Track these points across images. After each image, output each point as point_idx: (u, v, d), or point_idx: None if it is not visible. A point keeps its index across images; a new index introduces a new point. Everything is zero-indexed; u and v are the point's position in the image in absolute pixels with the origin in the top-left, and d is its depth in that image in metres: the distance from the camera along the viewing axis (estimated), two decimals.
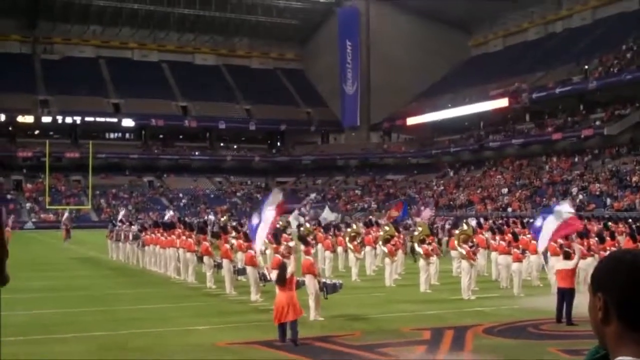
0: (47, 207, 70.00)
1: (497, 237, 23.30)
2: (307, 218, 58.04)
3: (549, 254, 20.82)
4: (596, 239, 22.46)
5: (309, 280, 15.74)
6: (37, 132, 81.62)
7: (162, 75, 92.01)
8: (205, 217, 63.21)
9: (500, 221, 36.64)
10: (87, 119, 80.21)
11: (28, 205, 73.90)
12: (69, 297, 20.51)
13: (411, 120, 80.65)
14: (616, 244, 22.56)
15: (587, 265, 20.73)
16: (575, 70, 65.63)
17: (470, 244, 20.88)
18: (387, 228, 26.66)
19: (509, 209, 58.14)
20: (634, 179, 52.84)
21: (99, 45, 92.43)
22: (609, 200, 51.66)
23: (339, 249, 27.61)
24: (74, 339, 14.23)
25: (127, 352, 13.05)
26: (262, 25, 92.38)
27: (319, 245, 26.67)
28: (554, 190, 58.55)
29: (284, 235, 26.99)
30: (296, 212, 48.35)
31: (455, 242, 22.41)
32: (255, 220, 16.92)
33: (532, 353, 12.99)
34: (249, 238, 20.72)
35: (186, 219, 44.33)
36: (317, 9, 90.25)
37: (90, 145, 70.44)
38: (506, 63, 78.18)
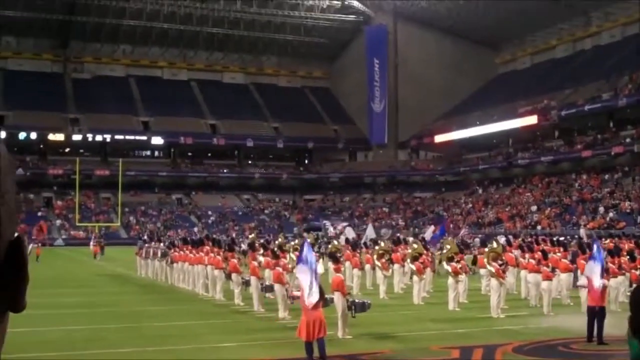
0: (77, 224, 70.60)
1: (527, 255, 23.12)
2: (335, 233, 58.06)
3: (579, 272, 20.62)
4: (627, 257, 22.22)
5: (337, 297, 15.68)
6: (67, 149, 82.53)
7: (191, 94, 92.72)
8: (233, 235, 63.47)
9: (529, 239, 36.34)
10: (117, 136, 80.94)
11: (58, 222, 74.60)
12: (98, 314, 20.64)
13: (439, 138, 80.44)
14: None
15: (617, 284, 20.58)
16: (605, 87, 65.12)
17: (499, 262, 20.74)
18: (415, 246, 26.56)
19: (538, 227, 57.67)
20: None
21: (129, 64, 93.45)
22: (639, 218, 51.09)
23: (367, 267, 27.54)
24: (103, 355, 14.31)
25: None
26: (290, 44, 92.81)
27: (347, 263, 26.63)
28: (583, 208, 58.03)
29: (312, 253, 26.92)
30: (370, 226, 48.16)
31: (485, 260, 22.25)
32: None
33: None
34: (276, 255, 20.76)
35: (214, 236, 44.45)
36: (345, 27, 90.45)
37: (119, 162, 71.05)
38: (534, 80, 77.78)
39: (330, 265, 23.06)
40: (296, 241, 36.68)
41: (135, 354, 14.45)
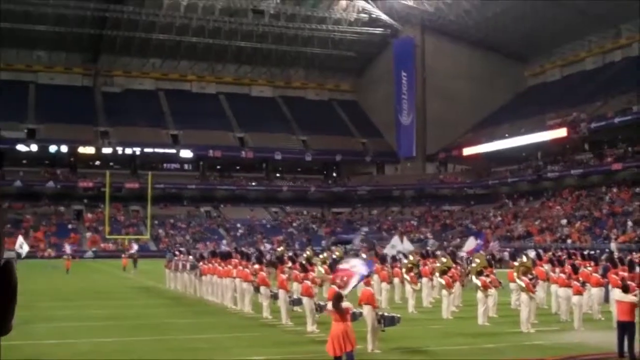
0: (107, 236, 71.14)
1: (557, 270, 22.90)
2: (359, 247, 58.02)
3: (610, 286, 20.40)
4: None
5: (367, 311, 15.61)
6: (97, 162, 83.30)
7: (219, 107, 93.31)
8: (262, 247, 63.55)
9: (559, 253, 36.01)
10: (147, 150, 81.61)
11: (88, 234, 75.22)
12: (127, 326, 20.76)
13: (468, 151, 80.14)
14: None
15: None
16: (635, 99, 64.41)
17: (529, 276, 20.57)
18: (444, 259, 26.42)
19: (569, 241, 57.16)
20: None
21: (158, 78, 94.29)
22: None
23: (396, 280, 27.42)
24: None
25: None
26: (318, 57, 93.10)
27: (375, 276, 26.53)
28: (614, 221, 57.44)
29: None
30: (396, 237, 47.97)
31: (515, 274, 22.08)
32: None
33: None
34: (305, 268, 20.74)
35: (243, 249, 44.54)
36: (373, 40, 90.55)
37: (149, 175, 71.55)
38: (564, 93, 77.32)
39: None
40: (324, 254, 36.67)
41: None
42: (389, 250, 39.85)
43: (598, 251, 40.41)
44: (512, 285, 24.24)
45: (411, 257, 29.10)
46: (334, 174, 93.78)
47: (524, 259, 23.59)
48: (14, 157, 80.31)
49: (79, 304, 27.46)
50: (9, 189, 77.70)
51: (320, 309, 18.10)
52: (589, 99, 71.15)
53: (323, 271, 25.59)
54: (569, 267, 22.08)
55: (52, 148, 78.19)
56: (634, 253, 36.54)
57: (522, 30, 79.83)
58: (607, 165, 65.69)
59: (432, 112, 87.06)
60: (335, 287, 16.23)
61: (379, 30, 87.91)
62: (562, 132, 68.36)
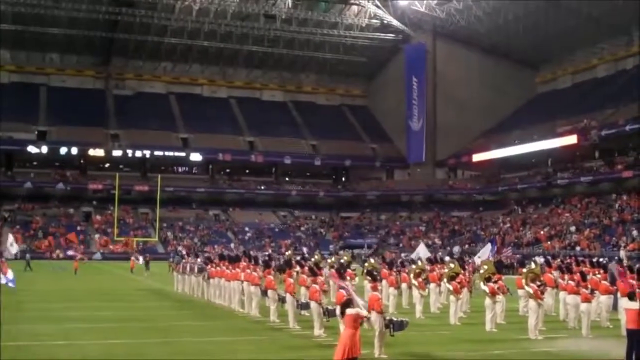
0: (115, 238, 71.36)
1: (566, 277, 22.82)
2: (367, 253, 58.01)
3: (619, 294, 20.31)
4: None
5: (374, 316, 15.58)
6: (107, 165, 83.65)
7: (230, 111, 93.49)
8: (269, 251, 63.63)
9: (568, 260, 35.89)
10: (156, 153, 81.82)
11: (97, 236, 75.44)
12: (135, 328, 20.80)
13: (477, 157, 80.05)
14: None
15: None
16: None
17: (538, 283, 20.52)
18: (452, 265, 26.37)
19: (577, 248, 56.98)
20: None
21: (169, 82, 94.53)
22: None
23: (403, 286, 27.38)
24: None
25: None
26: (329, 62, 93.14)
27: (383, 282, 26.49)
28: (623, 229, 57.24)
29: (348, 271, 26.90)
30: (422, 245, 48.04)
31: (523, 280, 22.01)
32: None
33: None
34: (313, 272, 20.74)
35: (251, 252, 44.61)
36: (384, 46, 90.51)
37: (158, 178, 71.70)
38: (575, 100, 77.14)
39: (367, 283, 23.01)
40: (332, 259, 36.66)
41: None
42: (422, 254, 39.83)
43: (606, 259, 40.27)
44: (520, 291, 24.17)
45: (419, 263, 29.05)
46: (343, 179, 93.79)
47: (533, 265, 23.53)
48: (25, 159, 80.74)
49: (87, 305, 27.52)
50: (19, 190, 78.07)
51: (327, 313, 18.10)
52: (600, 106, 70.99)
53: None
54: (578, 274, 21.99)
55: (63, 150, 78.50)
56: None
57: (533, 37, 79.69)
58: (617, 172, 65.51)
59: (443, 118, 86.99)
60: (343, 292, 16.26)
61: (390, 36, 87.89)
62: (572, 139, 68.22)
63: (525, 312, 22.47)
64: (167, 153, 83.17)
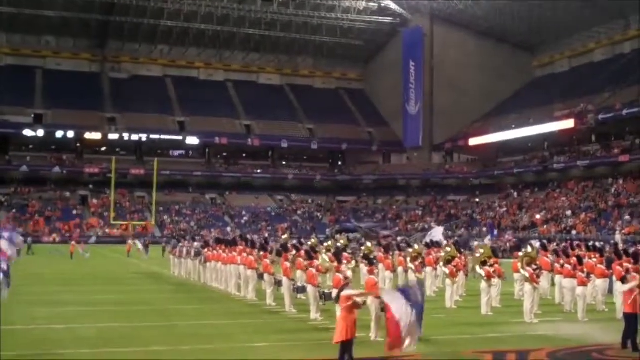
0: (112, 222, 71.36)
1: (562, 260, 22.88)
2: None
3: (614, 278, 20.38)
4: None
5: (370, 300, 15.60)
6: (103, 148, 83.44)
7: (227, 94, 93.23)
8: (266, 235, 63.68)
9: (564, 244, 35.99)
10: (153, 136, 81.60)
11: (92, 219, 75.41)
12: (132, 312, 20.83)
13: (474, 141, 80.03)
14: None
15: None
16: None
17: (533, 266, 20.57)
18: (448, 249, 26.42)
19: (573, 232, 57.08)
20: None
21: (166, 65, 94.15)
22: None
23: (400, 269, 27.41)
24: (137, 353, 14.44)
25: None
26: (326, 45, 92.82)
27: (380, 265, 26.53)
28: (620, 213, 57.34)
29: (345, 254, 26.92)
30: (441, 228, 47.94)
31: (519, 264, 22.08)
32: None
33: None
34: (310, 256, 20.77)
35: (248, 236, 44.68)
36: (382, 29, 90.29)
37: (155, 162, 71.58)
38: (572, 84, 77.05)
39: (364, 267, 23.06)
40: (329, 242, 36.69)
41: (169, 352, 14.57)
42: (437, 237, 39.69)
43: (602, 242, 40.38)
44: (516, 275, 24.24)
45: (416, 246, 29.09)
46: (340, 163, 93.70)
47: (529, 249, 23.58)
48: (21, 142, 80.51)
49: (83, 289, 27.56)
50: (15, 174, 77.91)
51: (324, 297, 18.14)
52: (597, 91, 70.91)
53: (327, 259, 25.62)
54: (574, 258, 22.04)
55: (59, 133, 78.28)
56: (639, 245, 36.46)
57: (530, 21, 79.57)
58: (614, 157, 65.53)
59: (440, 102, 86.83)
60: (340, 276, 16.31)
61: (387, 20, 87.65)
62: (569, 123, 68.21)
63: (520, 295, 22.56)
64: (163, 136, 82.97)
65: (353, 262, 27.10)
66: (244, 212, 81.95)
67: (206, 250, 29.61)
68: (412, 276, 24.93)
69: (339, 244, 32.77)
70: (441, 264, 25.12)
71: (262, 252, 23.82)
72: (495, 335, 17.21)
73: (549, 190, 71.69)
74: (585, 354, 14.82)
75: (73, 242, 51.31)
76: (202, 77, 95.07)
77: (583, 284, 20.01)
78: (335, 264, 20.13)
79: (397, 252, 29.00)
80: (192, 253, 31.44)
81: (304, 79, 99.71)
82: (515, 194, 75.53)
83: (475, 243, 40.55)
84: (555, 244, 36.00)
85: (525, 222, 65.19)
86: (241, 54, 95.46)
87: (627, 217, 55.44)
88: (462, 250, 28.65)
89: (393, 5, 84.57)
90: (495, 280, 21.56)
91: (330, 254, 26.28)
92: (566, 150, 72.68)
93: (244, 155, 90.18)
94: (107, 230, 73.75)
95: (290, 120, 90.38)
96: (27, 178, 77.93)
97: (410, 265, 25.59)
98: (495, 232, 60.65)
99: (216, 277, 27.55)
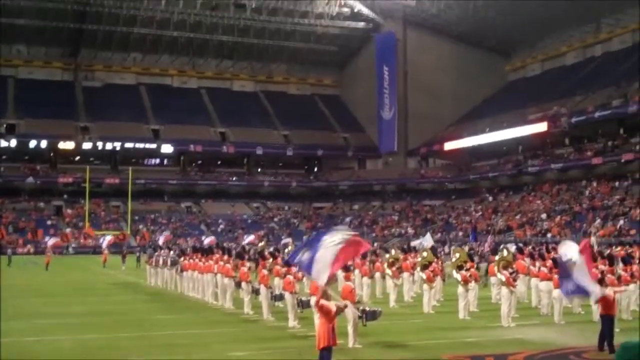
0: (87, 232, 70.75)
1: (538, 263, 23.00)
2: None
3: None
4: (639, 264, 22.09)
5: (348, 307, 15.57)
6: (77, 158, 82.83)
7: (201, 102, 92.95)
8: (243, 242, 63.41)
9: (540, 247, 36.18)
10: (127, 145, 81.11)
11: (68, 230, 74.75)
12: (108, 322, 20.63)
13: (449, 146, 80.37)
14: None
15: (629, 292, 20.46)
16: (615, 93, 64.89)
17: (510, 270, 20.66)
18: (425, 254, 26.48)
19: (549, 235, 57.41)
20: None
21: (139, 73, 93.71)
22: None
23: (377, 275, 27.44)
24: None
25: None
26: (300, 51, 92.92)
27: (357, 271, 26.54)
28: (594, 215, 57.78)
29: None
30: (428, 235, 48.11)
31: (495, 268, 22.17)
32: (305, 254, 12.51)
33: None
34: (288, 264, 20.69)
35: (224, 244, 44.49)
36: (355, 35, 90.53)
37: (129, 171, 71.22)
38: (545, 87, 77.64)
39: (340, 273, 23.01)
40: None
41: None
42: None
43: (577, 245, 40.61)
44: (492, 279, 24.34)
45: (393, 252, 29.13)
46: (316, 169, 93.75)
47: (505, 253, 23.68)
48: None
49: (59, 300, 27.30)
50: None
51: (302, 304, 18.09)
52: (570, 94, 71.50)
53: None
54: (550, 261, 22.16)
55: (32, 143, 77.60)
56: (613, 247, 36.75)
57: (503, 25, 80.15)
58: (587, 159, 66.02)
59: (414, 106, 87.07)
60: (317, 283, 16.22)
61: (361, 25, 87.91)
62: (542, 127, 68.67)
63: (497, 299, 22.64)
64: (137, 145, 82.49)
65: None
66: (220, 220, 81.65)
67: (182, 259, 29.45)
68: (389, 282, 24.94)
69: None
70: (418, 269, 25.15)
71: (239, 260, 23.72)
72: (473, 340, 17.24)
73: (523, 193, 72.11)
74: (562, 357, 14.90)
75: (48, 253, 50.78)
76: (176, 85, 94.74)
77: (559, 286, 20.10)
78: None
79: (374, 258, 29.03)
80: (169, 262, 31.25)
81: (278, 85, 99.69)
82: (490, 197, 75.91)
83: (452, 247, 40.65)
84: (530, 247, 36.16)
85: (501, 226, 65.48)
86: (214, 60, 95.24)
87: (597, 221, 55.72)
88: (439, 255, 28.74)
89: (366, 10, 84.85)
90: (472, 285, 21.63)
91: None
92: (540, 154, 73.16)
93: (219, 162, 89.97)
94: (81, 241, 73.12)
95: (265, 126, 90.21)
96: (0, 188, 77.09)
97: (387, 270, 25.61)
98: (475, 235, 61.05)
99: (193, 286, 27.40)
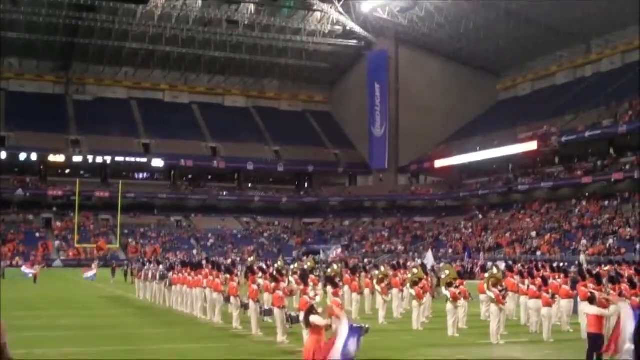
0: (76, 245, 70.50)
1: (527, 281, 23.04)
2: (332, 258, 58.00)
3: (579, 298, 20.54)
4: (628, 284, 22.12)
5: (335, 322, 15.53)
6: (67, 171, 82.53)
7: (192, 117, 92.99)
8: (232, 257, 63.31)
9: (529, 265, 36.25)
10: (117, 158, 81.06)
11: (57, 243, 74.49)
12: (96, 336, 20.53)
13: (439, 163, 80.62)
14: None
15: (616, 311, 20.41)
16: (605, 113, 65.32)
17: (499, 287, 20.68)
18: (415, 271, 26.48)
19: (538, 253, 57.58)
20: None
21: (130, 87, 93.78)
22: (639, 245, 50.95)
23: (366, 291, 27.43)
24: None
25: None
26: (292, 68, 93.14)
27: (346, 287, 26.52)
28: (583, 233, 57.96)
29: (312, 277, 26.85)
30: (430, 252, 48.25)
31: (485, 285, 22.19)
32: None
33: None
34: (276, 279, 20.68)
35: (213, 259, 44.40)
36: (347, 52, 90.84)
37: (119, 184, 71.00)
38: (535, 107, 78.03)
39: (329, 289, 23.01)
40: (295, 265, 36.58)
41: None
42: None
43: (566, 263, 40.80)
44: (482, 296, 24.34)
45: (382, 268, 29.12)
46: (306, 185, 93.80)
47: (494, 270, 23.70)
48: None
49: (47, 313, 27.15)
50: None
51: (291, 319, 18.05)
52: (560, 113, 71.92)
53: (294, 282, 25.55)
54: (539, 279, 22.21)
55: (22, 156, 77.49)
56: (602, 265, 36.84)
57: (494, 45, 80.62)
58: (577, 178, 66.30)
59: (405, 124, 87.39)
60: (307, 298, 16.22)
61: (353, 42, 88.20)
62: (532, 145, 69.00)
63: (487, 316, 22.63)
64: (128, 159, 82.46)
65: (320, 285, 27.03)
66: (209, 235, 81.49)
67: (171, 273, 29.37)
68: (378, 298, 24.92)
69: (305, 266, 32.69)
70: (408, 285, 25.14)
71: (228, 275, 23.67)
72: (461, 357, 17.22)
73: (513, 211, 72.30)
74: None
75: (37, 266, 50.52)
76: (167, 100, 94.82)
77: (548, 304, 20.15)
78: (302, 286, 20.11)
79: (363, 274, 29.02)
80: (157, 276, 31.13)
81: (269, 101, 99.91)
82: (480, 215, 76.04)
83: (441, 264, 40.69)
84: (520, 265, 36.23)
85: (491, 244, 65.59)
86: (206, 76, 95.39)
87: (583, 242, 55.85)
88: (428, 272, 28.75)
89: (358, 29, 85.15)
90: (461, 302, 21.63)
91: (296, 277, 26.21)
92: (530, 172, 73.45)
93: (210, 177, 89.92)
94: (70, 254, 72.80)
95: (256, 142, 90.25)
96: None
97: (377, 287, 25.60)
98: (469, 253, 61.53)
99: (182, 300, 27.31)
